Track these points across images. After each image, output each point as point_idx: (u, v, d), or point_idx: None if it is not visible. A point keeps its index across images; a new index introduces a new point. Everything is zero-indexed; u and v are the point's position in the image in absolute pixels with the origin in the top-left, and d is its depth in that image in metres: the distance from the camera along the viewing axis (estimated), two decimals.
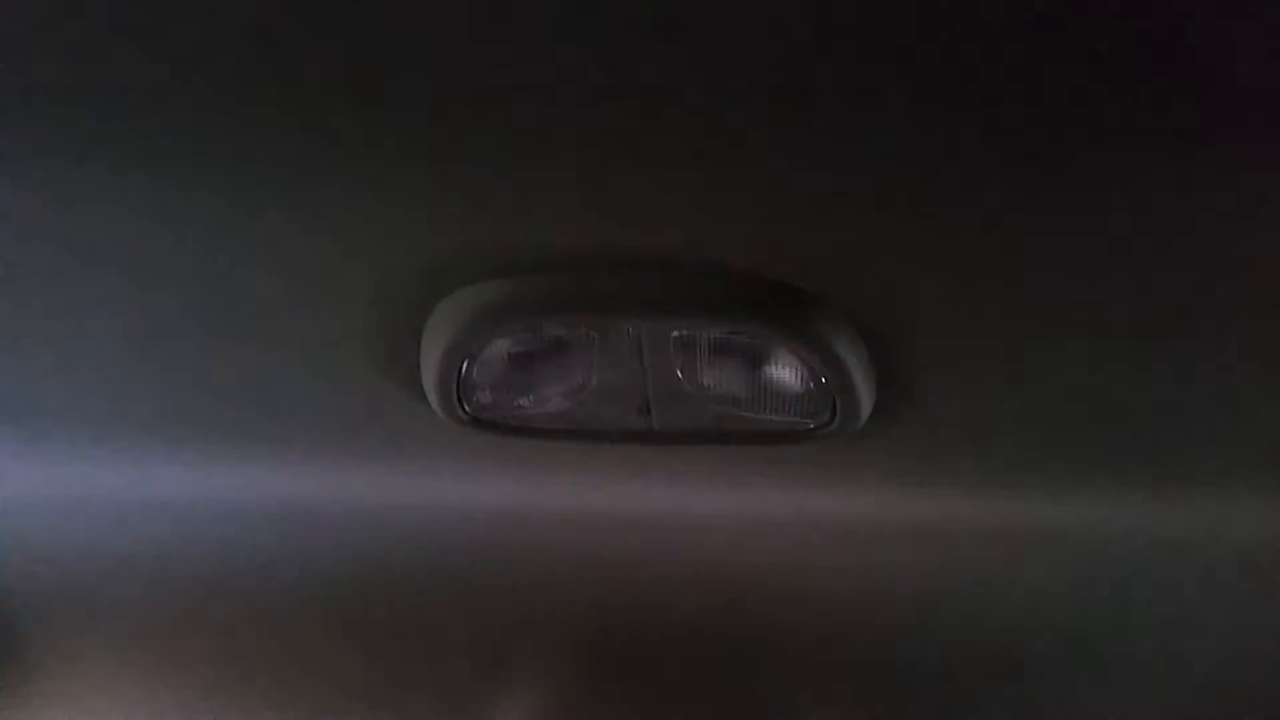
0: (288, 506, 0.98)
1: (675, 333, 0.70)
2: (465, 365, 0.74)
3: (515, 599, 1.06)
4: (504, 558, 1.00)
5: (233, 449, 0.92)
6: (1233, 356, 0.70)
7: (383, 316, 0.73)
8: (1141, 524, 0.89)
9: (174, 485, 0.97)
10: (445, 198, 0.61)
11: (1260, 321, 0.67)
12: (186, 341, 0.78)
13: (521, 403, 0.79)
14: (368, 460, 0.91)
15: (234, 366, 0.81)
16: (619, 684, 1.19)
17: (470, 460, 0.90)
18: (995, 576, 0.96)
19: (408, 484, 0.93)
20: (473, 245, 0.65)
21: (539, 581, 1.03)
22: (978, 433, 0.80)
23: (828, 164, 0.57)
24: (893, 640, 1.04)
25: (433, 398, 0.77)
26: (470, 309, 0.68)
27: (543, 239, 0.64)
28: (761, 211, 0.61)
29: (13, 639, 1.22)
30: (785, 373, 0.73)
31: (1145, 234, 0.60)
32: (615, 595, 1.03)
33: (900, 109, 0.53)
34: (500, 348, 0.73)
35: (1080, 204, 0.58)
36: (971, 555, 0.93)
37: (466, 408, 0.78)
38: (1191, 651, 1.04)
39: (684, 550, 0.97)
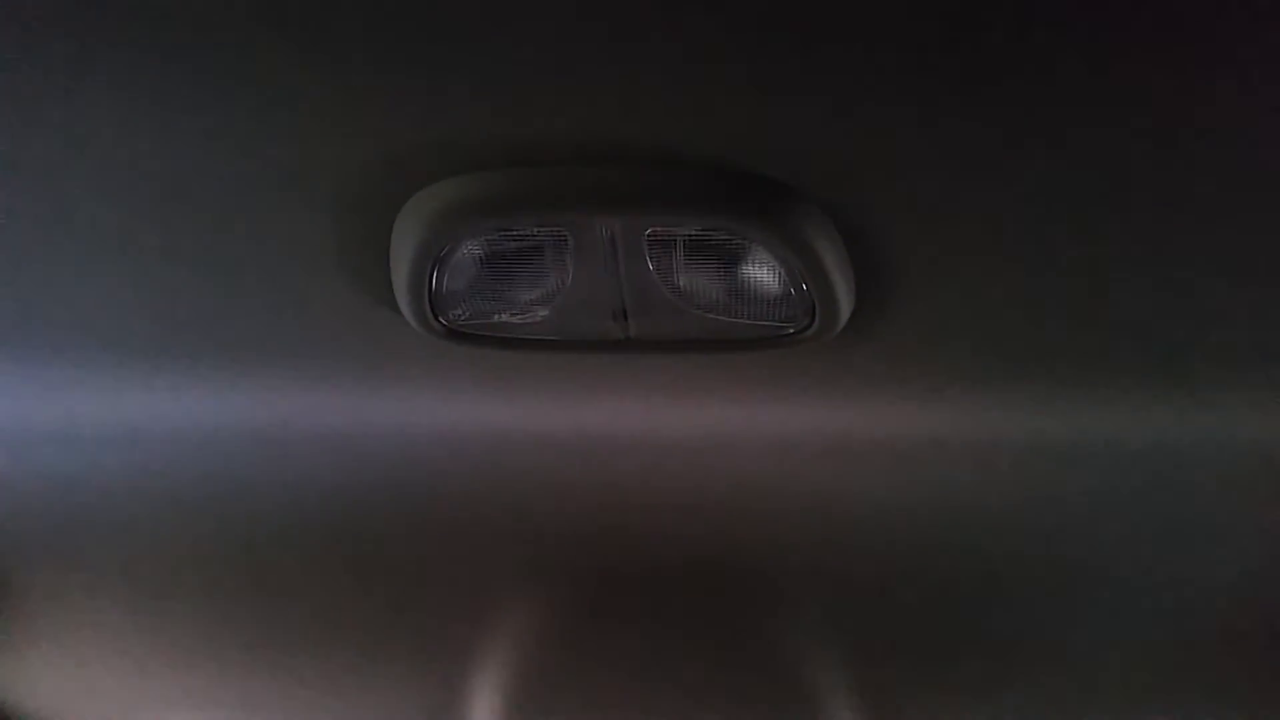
0: (263, 427, 0.97)
1: (649, 230, 0.69)
2: (436, 271, 0.73)
3: (496, 517, 1.05)
4: (483, 475, 0.99)
5: (202, 368, 0.90)
6: (1222, 259, 0.69)
7: (349, 220, 0.71)
8: (1131, 429, 0.88)
9: (145, 409, 0.95)
10: (408, 89, 0.59)
11: (1251, 223, 0.66)
12: (147, 257, 0.76)
13: (495, 311, 0.78)
14: (343, 377, 0.90)
15: (199, 281, 0.79)
16: (605, 602, 1.19)
17: (446, 375, 0.88)
18: (981, 483, 0.95)
19: (384, 400, 0.92)
20: (439, 140, 0.63)
21: (520, 498, 1.02)
22: (960, 337, 0.80)
23: (808, 54, 0.55)
24: (875, 549, 1.04)
25: (404, 306, 0.76)
26: (438, 206, 0.67)
27: (511, 132, 0.62)
28: (737, 102, 0.59)
29: None
30: (762, 274, 0.72)
31: (1132, 127, 0.59)
32: (599, 511, 1.03)
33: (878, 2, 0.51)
34: (471, 251, 0.72)
35: (1068, 97, 0.57)
36: (956, 462, 0.93)
37: (440, 318, 0.77)
38: (1185, 562, 1.05)
39: (666, 462, 0.96)
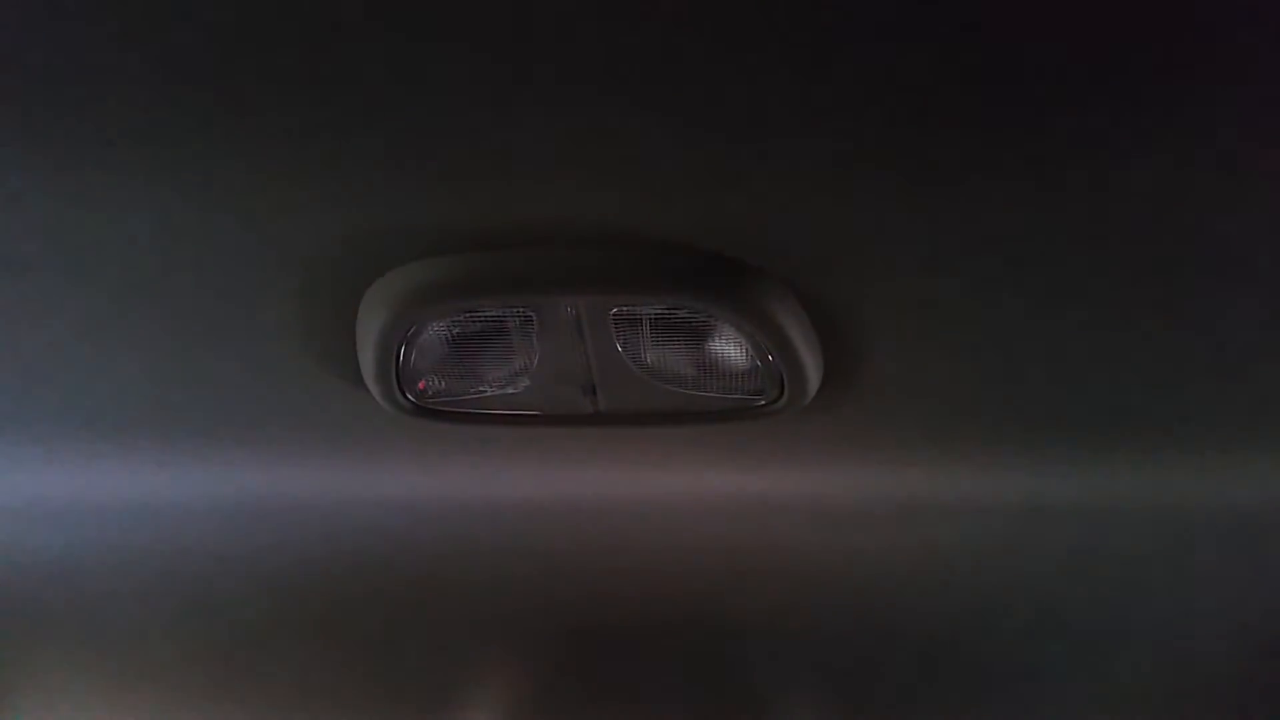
0: (238, 503, 0.96)
1: (615, 309, 0.69)
2: (403, 351, 0.72)
3: (471, 590, 1.04)
4: (455, 546, 0.99)
5: (176, 447, 0.89)
6: (1190, 317, 0.69)
7: (317, 303, 0.71)
8: (1101, 491, 0.88)
9: (118, 487, 0.95)
10: (371, 175, 0.60)
11: (1220, 283, 0.66)
12: (118, 341, 0.76)
13: (464, 388, 0.77)
14: (314, 454, 0.89)
15: (172, 363, 0.79)
16: (580, 672, 1.18)
17: (418, 451, 0.88)
18: (951, 548, 0.95)
19: (356, 476, 0.91)
20: (402, 224, 0.63)
21: (494, 571, 1.01)
22: (928, 404, 0.79)
23: (766, 135, 0.56)
24: (851, 615, 1.04)
25: (372, 385, 0.75)
26: (402, 290, 0.67)
27: (474, 216, 0.63)
28: (698, 183, 0.59)
29: None
30: (729, 349, 0.72)
31: (1098, 202, 0.59)
32: (573, 583, 1.02)
33: (841, 80, 0.52)
34: (437, 331, 0.72)
35: (1032, 164, 0.57)
36: (926, 527, 0.93)
37: (409, 395, 0.76)
38: (1156, 620, 1.05)
39: (639, 532, 0.96)
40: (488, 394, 0.78)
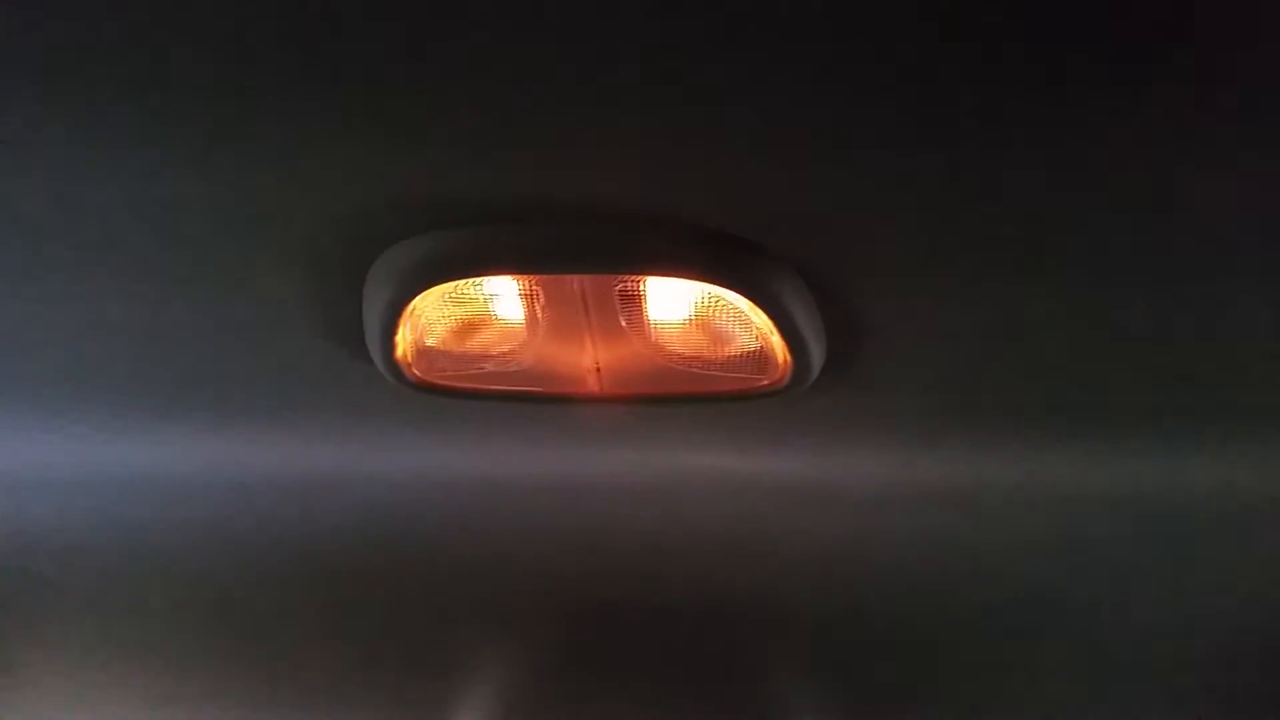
0: (239, 479, 0.96)
1: (620, 286, 0.69)
2: (409, 325, 0.73)
3: (473, 566, 1.05)
4: (459, 523, 0.99)
5: (180, 420, 0.90)
6: (1185, 306, 0.69)
7: (322, 277, 0.71)
8: (1101, 478, 0.88)
9: (125, 460, 0.95)
10: (377, 149, 0.60)
11: (1222, 277, 0.66)
12: (121, 314, 0.76)
13: (469, 364, 0.78)
14: (320, 429, 0.90)
15: (176, 335, 0.79)
16: (580, 650, 1.18)
17: (422, 426, 0.88)
18: (952, 531, 0.96)
19: (361, 452, 0.92)
20: (407, 199, 0.64)
21: (496, 548, 1.02)
22: (931, 387, 0.80)
23: (772, 113, 0.56)
24: (851, 598, 1.04)
25: (377, 359, 0.76)
26: (407, 264, 0.67)
27: (479, 191, 0.63)
28: (704, 161, 0.60)
29: None
30: (734, 328, 0.72)
31: (1099, 178, 0.59)
32: (575, 561, 1.03)
33: (844, 58, 0.52)
34: (443, 306, 0.72)
35: (1038, 154, 0.57)
36: (928, 509, 0.93)
37: (414, 370, 0.77)
38: (1147, 608, 1.05)
39: (641, 513, 0.96)
40: (492, 370, 0.78)
